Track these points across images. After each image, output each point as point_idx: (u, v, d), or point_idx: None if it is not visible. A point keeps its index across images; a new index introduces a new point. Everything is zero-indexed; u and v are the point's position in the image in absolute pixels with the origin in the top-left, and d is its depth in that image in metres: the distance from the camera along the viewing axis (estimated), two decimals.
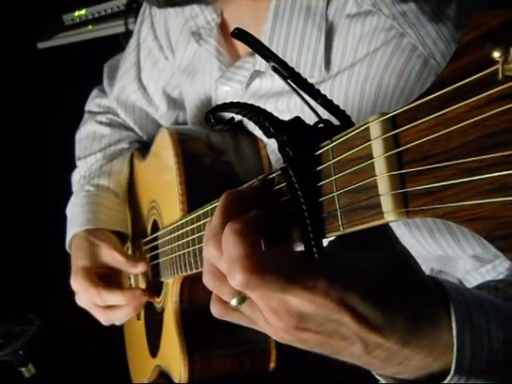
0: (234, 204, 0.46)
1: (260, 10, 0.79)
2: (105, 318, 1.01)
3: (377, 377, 0.52)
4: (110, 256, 1.03)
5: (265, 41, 0.76)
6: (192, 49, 0.99)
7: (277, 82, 0.82)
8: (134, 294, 0.98)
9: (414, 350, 0.44)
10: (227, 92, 0.91)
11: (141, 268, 1.01)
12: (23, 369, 1.08)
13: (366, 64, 0.69)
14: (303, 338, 0.44)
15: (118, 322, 1.03)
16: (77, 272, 1.00)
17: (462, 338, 0.45)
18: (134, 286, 1.14)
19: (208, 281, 0.47)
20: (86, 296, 0.99)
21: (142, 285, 1.09)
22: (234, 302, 0.46)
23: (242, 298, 0.45)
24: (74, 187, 1.17)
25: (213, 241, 0.45)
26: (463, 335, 0.45)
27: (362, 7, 0.70)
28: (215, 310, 0.48)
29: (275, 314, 0.43)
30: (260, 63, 0.82)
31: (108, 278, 1.03)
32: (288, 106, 0.79)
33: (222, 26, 0.92)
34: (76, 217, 1.09)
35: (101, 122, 1.20)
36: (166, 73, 1.11)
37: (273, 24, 0.77)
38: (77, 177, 1.17)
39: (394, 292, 0.43)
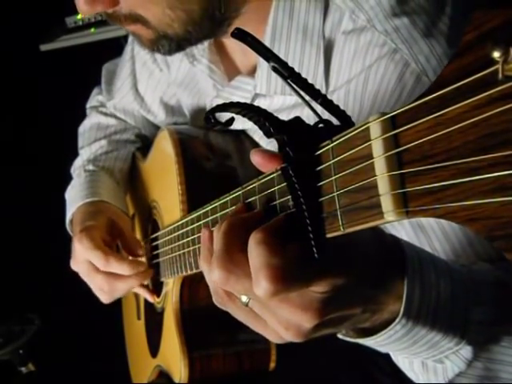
0: (236, 229, 0.46)
1: (257, 33, 0.79)
2: (108, 287, 0.94)
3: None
4: (120, 221, 1.01)
5: (263, 63, 0.75)
6: (186, 65, 0.99)
7: (275, 101, 0.81)
8: (138, 268, 0.94)
9: (371, 309, 0.49)
10: None
11: (141, 267, 0.96)
12: (23, 368, 1.08)
13: (361, 80, 0.69)
14: (326, 324, 0.46)
15: (120, 294, 0.97)
16: (83, 231, 0.93)
17: (412, 287, 0.50)
18: None
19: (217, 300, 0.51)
20: (88, 258, 0.93)
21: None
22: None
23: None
24: (76, 172, 1.13)
25: (219, 262, 0.45)
26: (413, 284, 0.50)
27: (358, 23, 0.70)
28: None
29: (302, 307, 0.44)
30: (261, 86, 0.80)
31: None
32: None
33: (218, 45, 0.91)
34: (77, 194, 1.06)
35: (106, 114, 1.20)
36: (162, 83, 1.11)
37: (271, 46, 0.76)
38: (79, 163, 1.15)
39: (372, 267, 0.47)
